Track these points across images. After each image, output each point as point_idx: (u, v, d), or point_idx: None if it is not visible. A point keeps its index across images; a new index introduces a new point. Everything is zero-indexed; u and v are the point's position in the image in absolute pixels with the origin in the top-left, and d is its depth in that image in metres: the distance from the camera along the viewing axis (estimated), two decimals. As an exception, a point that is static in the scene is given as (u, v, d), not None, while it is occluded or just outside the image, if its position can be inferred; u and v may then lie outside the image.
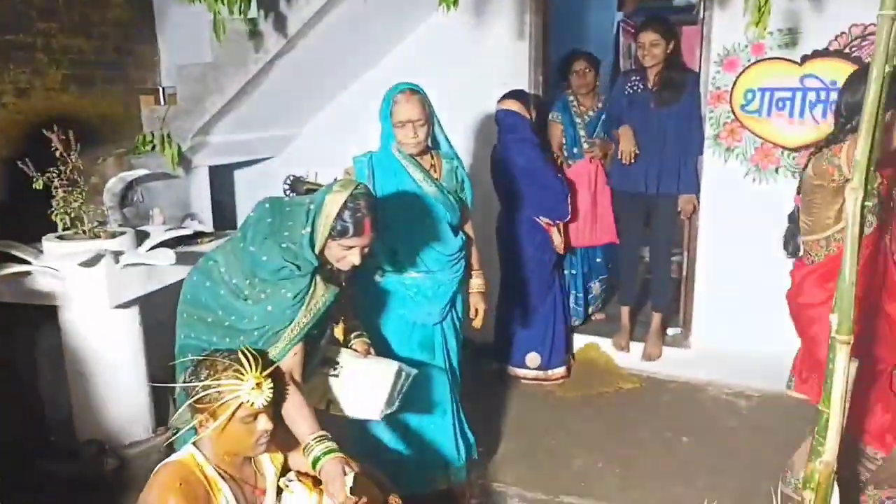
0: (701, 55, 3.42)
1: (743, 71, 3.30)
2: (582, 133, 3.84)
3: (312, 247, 1.82)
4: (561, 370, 3.62)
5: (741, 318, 3.42)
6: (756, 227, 3.35)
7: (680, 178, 3.53)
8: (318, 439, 1.74)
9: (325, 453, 1.72)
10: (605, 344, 3.83)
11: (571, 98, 3.89)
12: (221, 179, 4.26)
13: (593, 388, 3.54)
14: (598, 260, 4.03)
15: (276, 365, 1.77)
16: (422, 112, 2.30)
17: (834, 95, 3.18)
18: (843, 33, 3.13)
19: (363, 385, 2.03)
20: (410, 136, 2.30)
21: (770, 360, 3.34)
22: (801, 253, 2.36)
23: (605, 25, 5.92)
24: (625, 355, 3.78)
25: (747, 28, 2.50)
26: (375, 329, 2.40)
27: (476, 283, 2.66)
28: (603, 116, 3.85)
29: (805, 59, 3.20)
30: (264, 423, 1.65)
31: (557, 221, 3.48)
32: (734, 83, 3.32)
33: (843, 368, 1.68)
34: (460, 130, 3.72)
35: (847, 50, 3.13)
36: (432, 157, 2.45)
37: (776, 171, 3.33)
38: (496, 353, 3.67)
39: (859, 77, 2.08)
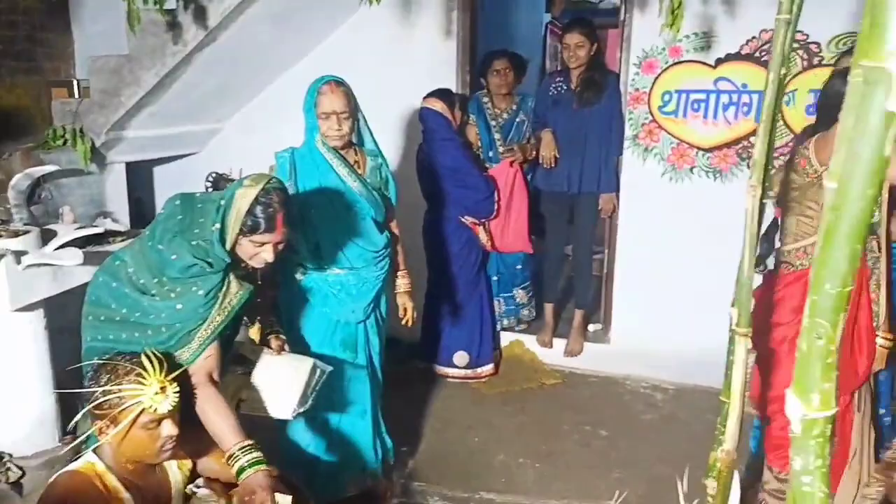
0: (621, 57, 3.51)
1: (660, 73, 3.40)
2: (496, 136, 3.76)
3: (223, 243, 1.78)
4: (489, 367, 3.65)
5: (658, 313, 3.54)
6: (672, 226, 3.47)
7: (601, 178, 3.60)
8: (245, 449, 1.69)
9: (252, 464, 1.67)
10: (530, 340, 3.88)
11: (486, 100, 3.78)
12: (140, 176, 4.11)
13: (517, 384, 3.59)
14: (519, 267, 3.90)
15: (183, 368, 1.72)
16: (346, 104, 2.29)
17: (745, 98, 3.33)
18: (753, 38, 3.27)
19: (276, 383, 1.99)
20: (335, 129, 2.28)
21: (685, 354, 3.48)
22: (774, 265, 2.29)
23: (534, 27, 6.00)
24: (548, 351, 3.84)
25: (662, 30, 2.57)
26: (297, 327, 2.37)
27: (402, 282, 2.66)
28: (517, 119, 3.82)
29: (718, 62, 3.33)
30: (169, 429, 1.59)
31: (483, 220, 3.50)
32: (652, 85, 3.42)
33: (742, 360, 1.75)
34: (388, 128, 3.71)
35: (757, 54, 3.26)
36: (356, 153, 2.44)
37: (691, 170, 3.44)
38: (423, 353, 3.67)
39: (835, 77, 2.15)
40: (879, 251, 2.11)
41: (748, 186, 1.73)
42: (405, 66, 3.74)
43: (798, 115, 3.21)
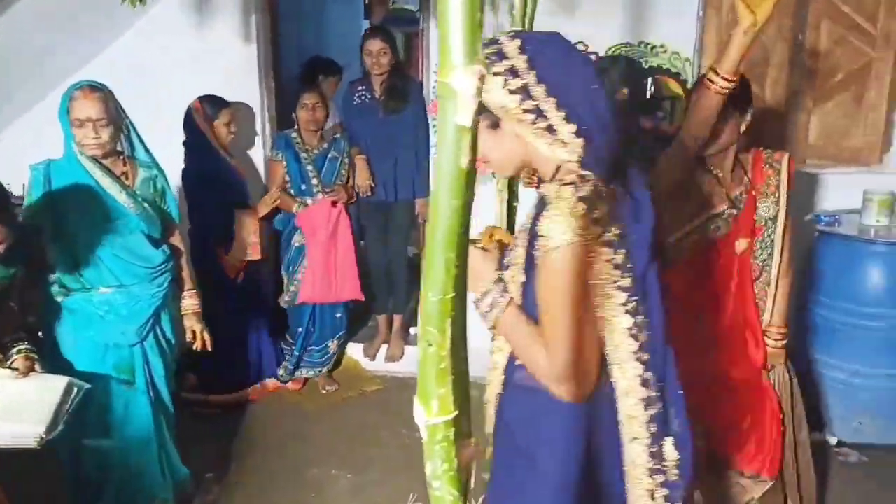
0: (421, 64, 3.56)
1: (459, 80, 3.48)
2: (309, 167, 3.42)
3: None
4: (271, 382, 3.51)
5: (470, 312, 3.61)
6: (477, 228, 3.56)
7: (415, 183, 3.63)
8: None
9: None
10: (355, 349, 3.83)
11: (295, 135, 3.45)
12: None
13: (337, 394, 3.54)
14: (338, 315, 3.57)
15: None
16: (103, 111, 2.14)
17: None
18: (543, 49, 3.43)
19: (19, 407, 1.80)
20: (91, 137, 2.13)
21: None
22: None
23: (353, 33, 5.96)
24: (370, 358, 3.81)
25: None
26: (62, 352, 2.19)
27: (188, 303, 2.50)
28: (330, 155, 3.48)
29: (512, 70, 3.46)
30: None
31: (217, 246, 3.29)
32: (452, 92, 3.49)
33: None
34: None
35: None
36: (125, 164, 2.29)
37: (493, 174, 3.55)
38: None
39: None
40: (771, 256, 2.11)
41: (496, 191, 1.84)
42: (201, 72, 3.53)
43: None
